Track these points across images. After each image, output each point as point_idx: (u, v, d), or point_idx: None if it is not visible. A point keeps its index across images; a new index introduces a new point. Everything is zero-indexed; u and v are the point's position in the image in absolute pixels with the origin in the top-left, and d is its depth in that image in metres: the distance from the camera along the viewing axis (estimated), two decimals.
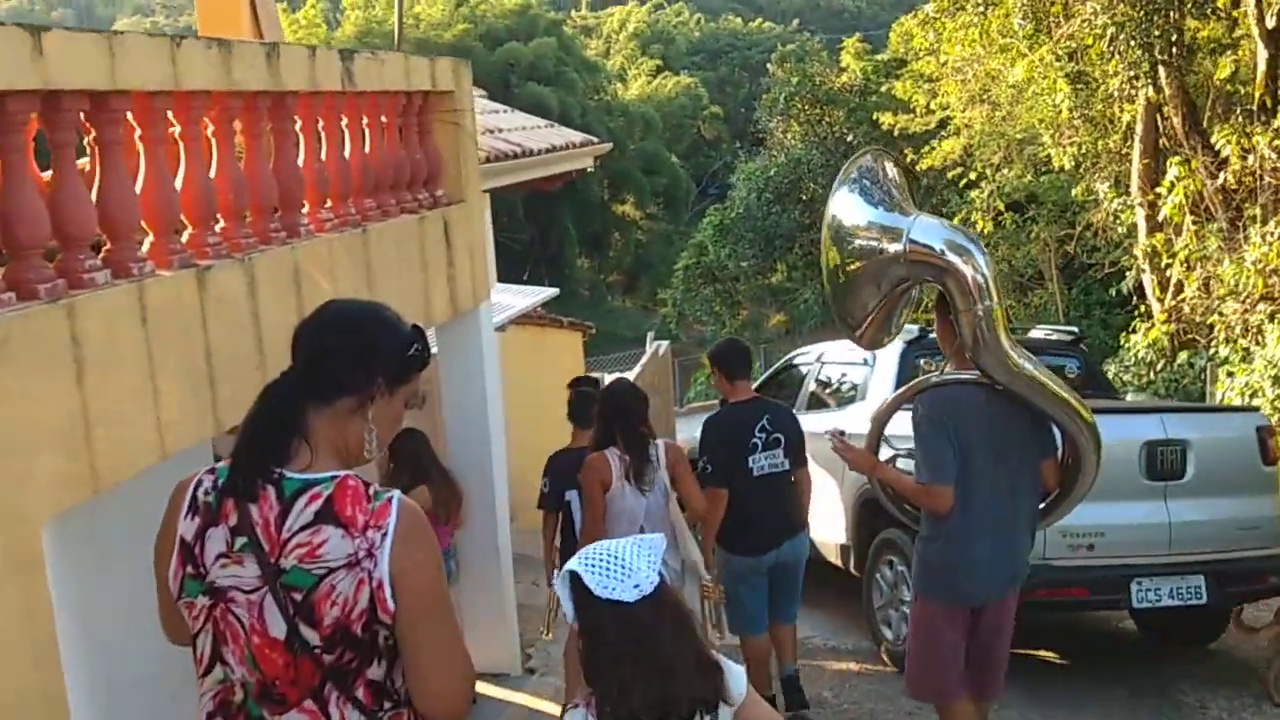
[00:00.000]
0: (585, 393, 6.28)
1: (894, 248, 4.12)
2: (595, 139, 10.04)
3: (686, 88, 45.08)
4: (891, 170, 4.43)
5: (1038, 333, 7.62)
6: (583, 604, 2.22)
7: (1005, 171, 16.70)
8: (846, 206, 4.37)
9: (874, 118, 19.39)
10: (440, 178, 6.06)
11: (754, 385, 6.17)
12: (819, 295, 24.29)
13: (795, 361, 8.40)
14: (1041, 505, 4.37)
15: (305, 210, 4.80)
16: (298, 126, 4.64)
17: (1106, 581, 5.76)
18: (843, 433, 4.59)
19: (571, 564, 2.26)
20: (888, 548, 6.46)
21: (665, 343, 17.03)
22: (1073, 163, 14.34)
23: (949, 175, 18.27)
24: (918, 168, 18.41)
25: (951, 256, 4.01)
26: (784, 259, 24.23)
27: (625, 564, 2.21)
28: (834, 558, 7.28)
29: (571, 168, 9.67)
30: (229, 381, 3.83)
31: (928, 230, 4.11)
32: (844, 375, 7.59)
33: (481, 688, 6.22)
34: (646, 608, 2.18)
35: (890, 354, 6.94)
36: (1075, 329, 7.38)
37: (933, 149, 17.58)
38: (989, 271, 4.01)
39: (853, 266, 4.34)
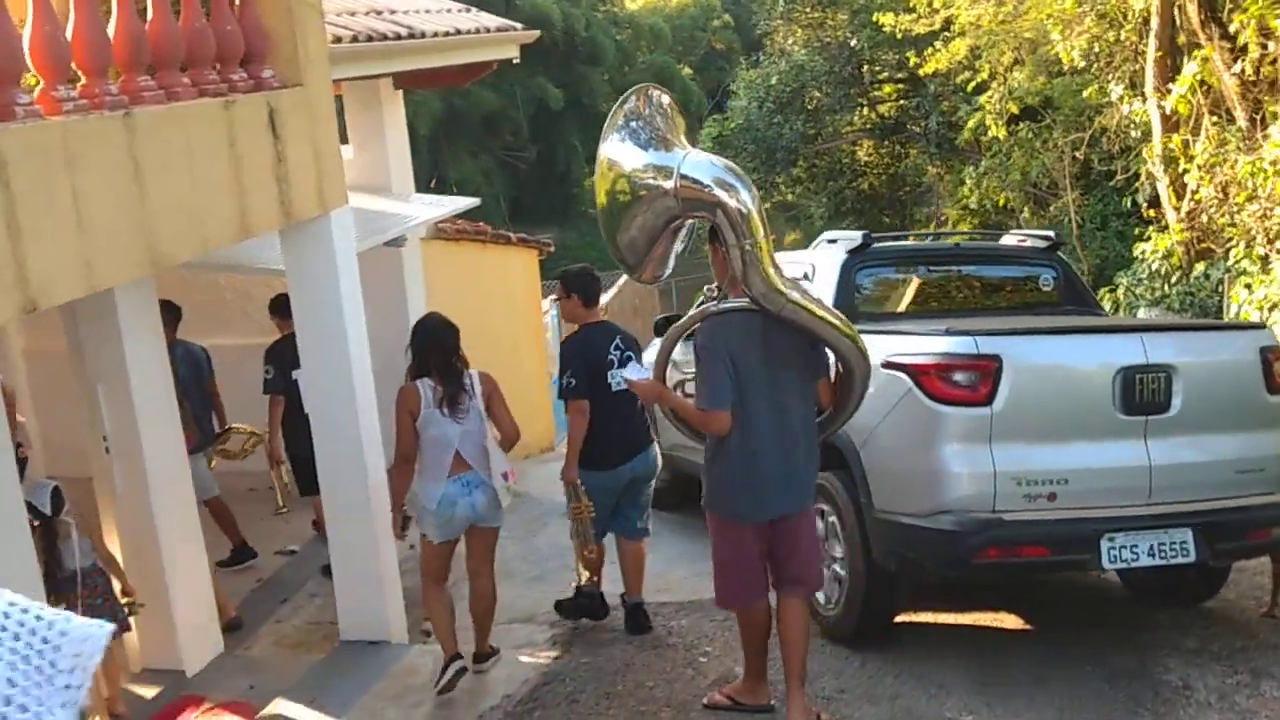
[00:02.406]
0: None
1: (666, 184, 4.26)
2: (518, 25, 8.87)
3: None
4: (662, 108, 4.53)
5: (1010, 239, 6.56)
6: None
7: (1015, 73, 15.39)
8: (617, 150, 4.44)
9: (875, 20, 17.99)
10: (265, 56, 5.03)
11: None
12: (830, 210, 23.16)
13: None
14: (818, 420, 4.56)
15: (33, 86, 3.79)
16: None
17: (1071, 538, 4.71)
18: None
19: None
20: (820, 495, 5.42)
21: None
22: (1084, 60, 13.08)
23: (956, 80, 16.96)
24: (921, 72, 17.11)
25: (719, 192, 4.17)
26: (786, 172, 22.97)
27: None
28: None
29: (487, 57, 8.55)
30: None
31: (697, 166, 4.25)
32: None
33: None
34: None
35: (830, 264, 5.91)
36: (1052, 234, 6.30)
37: (937, 51, 16.23)
38: (755, 206, 4.17)
39: (626, 204, 4.44)
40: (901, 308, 6.11)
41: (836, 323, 4.39)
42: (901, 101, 22.37)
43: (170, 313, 6.51)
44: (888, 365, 4.91)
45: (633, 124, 4.42)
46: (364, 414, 5.68)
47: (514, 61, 8.79)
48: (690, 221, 4.56)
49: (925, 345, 4.84)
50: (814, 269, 6.03)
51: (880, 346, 5.02)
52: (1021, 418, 4.70)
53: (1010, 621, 5.60)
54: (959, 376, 4.71)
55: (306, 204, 5.24)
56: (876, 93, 23.09)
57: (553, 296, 10.56)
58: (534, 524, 7.76)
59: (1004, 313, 5.97)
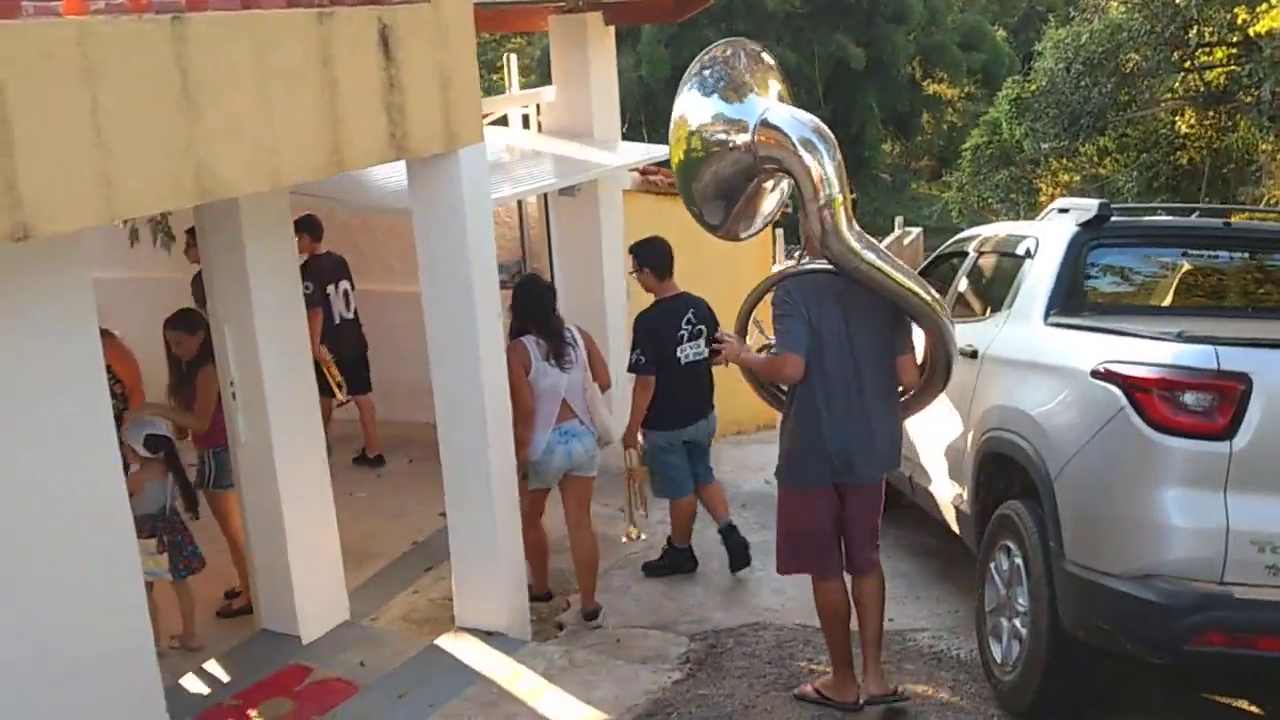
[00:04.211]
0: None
1: (741, 138, 4.17)
2: None
3: None
4: (751, 59, 4.39)
5: None
6: None
7: None
8: (692, 102, 4.31)
9: None
10: None
11: None
12: (1141, 184, 20.88)
13: (948, 252, 6.20)
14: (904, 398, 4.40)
15: None
16: None
17: None
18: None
19: None
20: (1005, 529, 4.38)
21: (917, 230, 14.93)
22: None
23: None
24: (1253, 31, 14.88)
25: (797, 147, 4.03)
26: (1092, 140, 20.79)
27: None
28: (953, 523, 5.23)
29: None
30: None
31: (776, 120, 4.12)
32: (997, 270, 5.39)
33: None
34: None
35: (1056, 240, 4.76)
36: None
37: (1275, 6, 14.01)
38: (832, 163, 4.01)
39: (700, 159, 4.32)
40: (1146, 300, 4.88)
41: (921, 293, 4.18)
42: (1232, 66, 19.74)
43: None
44: (1098, 375, 3.79)
45: (708, 74, 4.29)
46: (490, 386, 5.06)
47: None
48: (785, 181, 4.42)
49: (1148, 352, 3.69)
50: (1037, 244, 4.89)
51: (1092, 349, 3.91)
52: (1272, 460, 3.51)
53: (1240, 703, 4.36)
54: (1190, 398, 3.55)
55: (428, 138, 4.61)
56: (1204, 56, 20.51)
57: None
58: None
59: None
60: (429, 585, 6.21)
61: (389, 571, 6.44)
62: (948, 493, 5.21)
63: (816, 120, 4.10)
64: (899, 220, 17.27)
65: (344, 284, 7.65)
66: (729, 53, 4.36)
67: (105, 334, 6.34)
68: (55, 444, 3.83)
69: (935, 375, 4.36)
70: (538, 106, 7.89)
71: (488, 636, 5.29)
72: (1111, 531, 3.72)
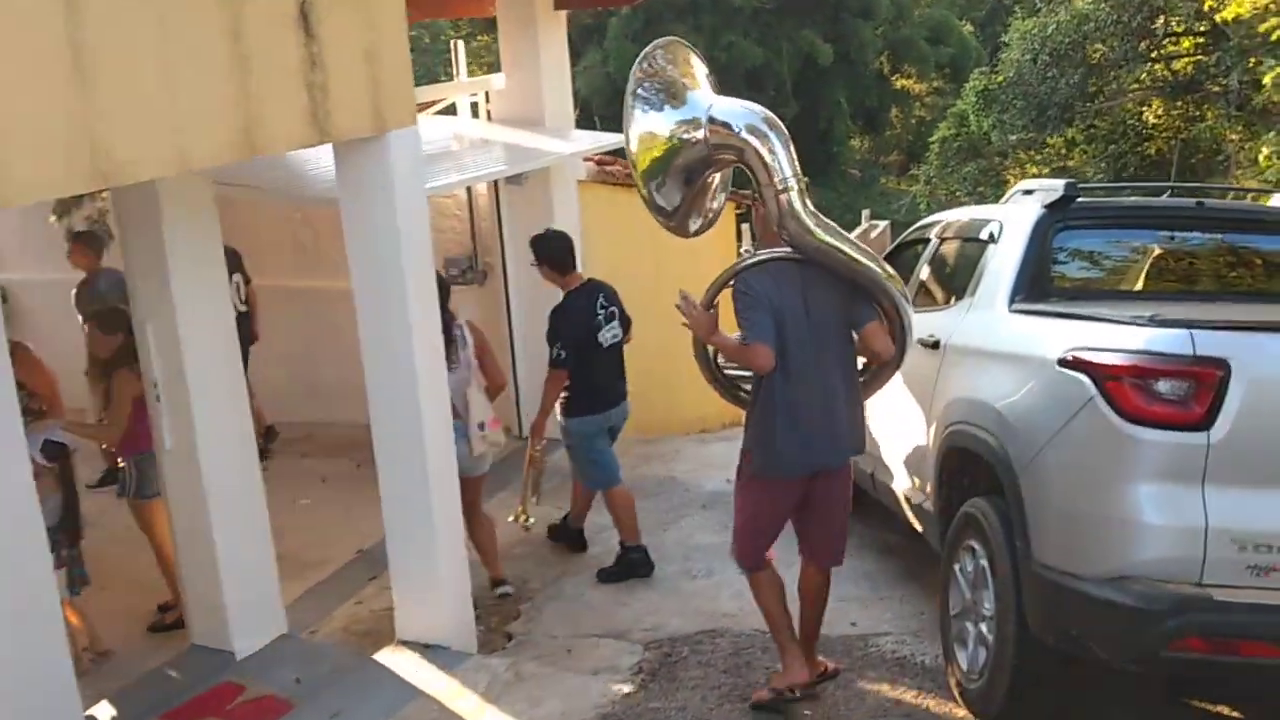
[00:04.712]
0: None
1: (696, 134, 4.23)
2: None
3: None
4: (674, 61, 4.40)
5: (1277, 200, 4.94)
6: None
7: None
8: (641, 123, 4.33)
9: None
10: None
11: None
12: (1109, 176, 20.76)
13: (911, 239, 5.95)
14: (862, 378, 4.38)
15: None
16: None
17: None
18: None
19: None
20: (969, 528, 4.13)
21: (884, 223, 14.79)
22: None
23: (1259, 28, 14.51)
24: (1219, 18, 14.76)
25: (747, 136, 4.10)
26: (1059, 132, 20.67)
27: None
28: (916, 522, 4.99)
29: None
30: None
31: (724, 112, 4.20)
32: (960, 256, 5.15)
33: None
34: None
35: (1020, 223, 4.52)
36: None
37: None
38: (783, 148, 4.07)
39: (659, 159, 4.32)
40: (1116, 285, 4.65)
41: (875, 266, 4.20)
42: (1199, 56, 19.66)
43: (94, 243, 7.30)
44: (1065, 363, 3.54)
45: (646, 92, 4.33)
46: (425, 384, 4.78)
47: None
48: (724, 174, 4.53)
49: (1118, 338, 3.44)
50: (1001, 228, 4.65)
51: (1059, 336, 3.67)
52: (1253, 452, 3.28)
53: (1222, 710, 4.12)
54: (1163, 386, 3.31)
55: (354, 120, 4.32)
56: (1170, 46, 20.43)
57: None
58: (671, 514, 6.67)
59: (1260, 301, 4.41)
60: (373, 595, 5.91)
61: (331, 581, 6.15)
62: (910, 490, 4.97)
63: (764, 110, 4.18)
64: (866, 213, 17.10)
65: (236, 277, 7.40)
66: (651, 65, 4.39)
67: (17, 346, 6.07)
68: None
69: (896, 342, 4.29)
70: (486, 94, 7.60)
71: (429, 650, 5.01)
72: (1081, 530, 3.47)
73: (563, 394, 5.86)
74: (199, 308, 4.88)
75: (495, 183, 7.41)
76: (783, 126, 4.11)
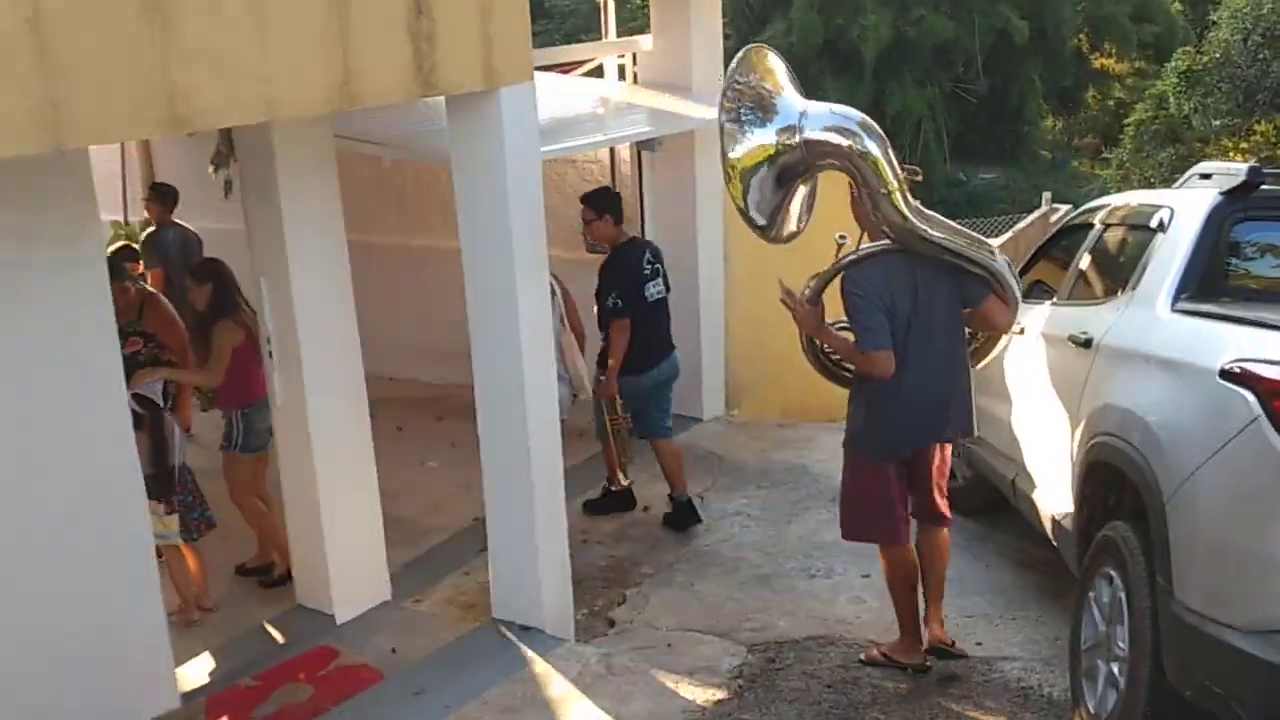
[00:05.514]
0: None
1: (792, 140, 4.15)
2: None
3: None
4: (766, 69, 4.36)
5: None
6: None
7: None
8: (732, 131, 4.27)
9: None
10: None
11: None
12: None
13: (1073, 224, 5.40)
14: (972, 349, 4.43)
15: None
16: None
17: None
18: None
19: None
20: (1109, 553, 3.66)
21: (1065, 207, 14.03)
22: None
23: None
24: None
25: (840, 139, 4.07)
26: (1269, 118, 19.21)
27: None
28: (1054, 538, 4.52)
29: None
30: None
31: (817, 118, 4.14)
32: (1124, 245, 4.61)
33: None
34: None
35: (1193, 212, 4.00)
36: None
37: None
38: (883, 151, 4.03)
39: (755, 167, 4.25)
40: None
41: (978, 246, 4.22)
42: None
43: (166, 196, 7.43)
44: (1228, 375, 3.07)
45: (738, 111, 4.28)
46: (531, 355, 4.55)
47: None
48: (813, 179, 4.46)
49: None
50: (1171, 215, 4.13)
51: (1224, 343, 3.19)
52: None
53: None
54: None
55: (462, 74, 4.11)
56: None
57: None
58: (797, 506, 6.30)
59: None
60: (481, 567, 5.72)
61: (444, 548, 6.03)
62: (1050, 503, 4.50)
63: (859, 113, 4.17)
64: (1046, 196, 16.21)
65: None
66: (737, 83, 4.33)
67: (152, 296, 6.13)
68: (60, 395, 3.85)
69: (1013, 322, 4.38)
70: (634, 56, 7.33)
71: (524, 632, 4.83)
72: (1232, 571, 3.00)
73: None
74: (313, 263, 4.79)
75: (638, 148, 7.16)
76: (878, 128, 4.12)
